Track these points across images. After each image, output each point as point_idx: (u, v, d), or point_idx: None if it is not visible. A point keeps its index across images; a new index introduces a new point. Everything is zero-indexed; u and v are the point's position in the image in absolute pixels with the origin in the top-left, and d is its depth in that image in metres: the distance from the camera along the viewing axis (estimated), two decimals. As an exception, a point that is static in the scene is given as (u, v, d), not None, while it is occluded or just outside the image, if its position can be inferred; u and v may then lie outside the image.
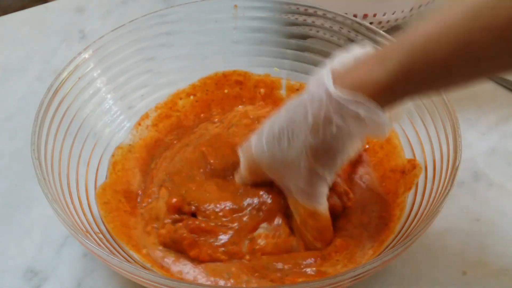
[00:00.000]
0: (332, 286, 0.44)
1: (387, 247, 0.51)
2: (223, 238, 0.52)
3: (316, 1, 0.63)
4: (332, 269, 0.51)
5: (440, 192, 0.50)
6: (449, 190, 0.48)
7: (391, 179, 0.57)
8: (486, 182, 0.61)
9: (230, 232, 0.52)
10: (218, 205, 0.54)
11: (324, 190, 0.49)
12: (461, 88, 0.42)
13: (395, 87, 0.42)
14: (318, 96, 0.44)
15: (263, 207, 0.53)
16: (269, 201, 0.53)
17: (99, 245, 0.49)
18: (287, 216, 0.53)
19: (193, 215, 0.54)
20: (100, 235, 0.51)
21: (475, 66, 0.39)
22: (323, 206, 0.50)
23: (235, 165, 0.56)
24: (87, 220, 0.52)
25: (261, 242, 0.52)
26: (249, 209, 0.53)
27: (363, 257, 0.52)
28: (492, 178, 0.61)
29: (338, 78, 0.44)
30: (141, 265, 0.51)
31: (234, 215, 0.53)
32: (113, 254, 0.49)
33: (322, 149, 0.46)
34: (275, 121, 0.48)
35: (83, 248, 0.53)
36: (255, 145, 0.50)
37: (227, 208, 0.53)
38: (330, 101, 0.44)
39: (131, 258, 0.51)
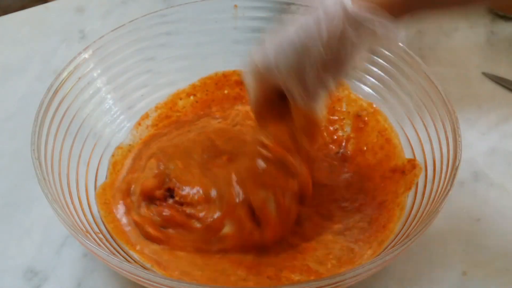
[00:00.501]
0: (332, 286, 0.44)
1: (387, 247, 0.51)
2: (192, 234, 0.53)
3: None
4: (323, 268, 0.51)
5: (440, 192, 0.50)
6: (449, 190, 0.48)
7: (391, 179, 0.57)
8: (486, 182, 0.61)
9: (199, 225, 0.53)
10: (194, 190, 0.54)
11: (323, 95, 0.51)
12: (473, 6, 0.45)
13: (410, 1, 0.45)
14: (334, 12, 0.46)
15: (230, 199, 0.53)
16: (237, 196, 0.53)
17: (99, 245, 0.49)
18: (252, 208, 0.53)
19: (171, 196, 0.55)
20: (100, 235, 0.51)
21: None
22: (318, 109, 0.52)
23: (238, 156, 0.57)
24: (87, 220, 0.52)
25: (229, 242, 0.52)
26: (218, 201, 0.53)
27: (361, 257, 0.52)
28: (492, 178, 0.61)
29: None
30: (141, 265, 0.51)
31: (206, 205, 0.53)
32: (113, 254, 0.49)
33: (333, 61, 0.47)
34: (284, 35, 0.49)
35: (83, 248, 0.53)
36: (262, 57, 0.50)
37: (201, 195, 0.54)
38: (346, 18, 0.45)
39: (131, 258, 0.51)
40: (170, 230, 0.53)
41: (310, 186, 0.55)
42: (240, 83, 0.66)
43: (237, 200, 0.53)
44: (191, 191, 0.54)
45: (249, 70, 0.52)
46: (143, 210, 0.54)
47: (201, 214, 0.53)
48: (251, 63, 0.51)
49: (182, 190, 0.54)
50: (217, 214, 0.53)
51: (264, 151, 0.54)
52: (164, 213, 0.53)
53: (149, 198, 0.55)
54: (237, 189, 0.53)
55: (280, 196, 0.52)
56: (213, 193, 0.54)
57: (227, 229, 0.52)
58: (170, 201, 0.54)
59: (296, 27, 0.49)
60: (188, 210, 0.53)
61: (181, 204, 0.54)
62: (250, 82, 0.52)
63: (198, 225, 0.53)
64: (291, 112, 0.53)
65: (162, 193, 0.55)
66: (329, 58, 0.47)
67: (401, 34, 0.46)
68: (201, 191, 0.54)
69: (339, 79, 0.50)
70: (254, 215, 0.53)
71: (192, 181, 0.55)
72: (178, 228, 0.53)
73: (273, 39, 0.49)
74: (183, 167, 0.56)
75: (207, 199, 0.54)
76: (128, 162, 0.60)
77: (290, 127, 0.53)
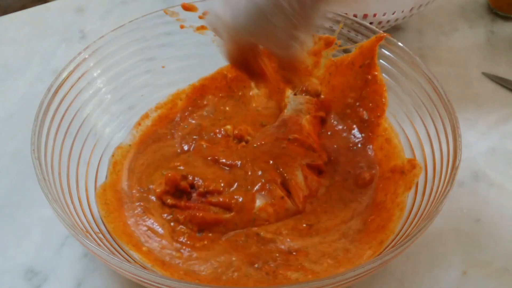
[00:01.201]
0: (332, 286, 0.44)
1: (387, 247, 0.51)
2: (229, 225, 0.54)
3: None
4: (319, 268, 0.51)
5: (440, 192, 0.50)
6: (449, 190, 0.48)
7: (390, 180, 0.57)
8: (486, 182, 0.61)
9: (230, 214, 0.54)
10: (210, 180, 0.56)
11: (298, 47, 0.50)
12: None
13: None
14: None
15: (256, 180, 0.55)
16: (260, 172, 0.56)
17: (99, 245, 0.49)
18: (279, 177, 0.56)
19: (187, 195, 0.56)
20: (100, 235, 0.51)
21: None
22: (298, 55, 0.51)
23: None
24: (87, 220, 0.52)
25: (265, 214, 0.54)
26: (243, 181, 0.56)
27: (360, 257, 0.52)
28: (492, 178, 0.61)
29: None
30: (141, 265, 0.51)
31: (229, 188, 0.55)
32: (113, 254, 0.49)
33: (300, 17, 0.47)
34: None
35: (83, 248, 0.53)
36: (231, 18, 0.49)
37: (221, 182, 0.56)
38: None
39: (131, 258, 0.51)
40: (210, 234, 0.54)
41: (325, 158, 0.59)
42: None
43: (262, 176, 0.55)
44: (210, 181, 0.56)
45: (220, 26, 0.51)
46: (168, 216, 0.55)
47: (230, 198, 0.54)
48: (220, 19, 0.50)
49: (202, 181, 0.56)
50: (247, 190, 0.55)
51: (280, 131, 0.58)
52: (195, 213, 0.54)
53: (172, 197, 0.56)
54: (261, 166, 0.56)
55: (305, 168, 0.56)
56: (235, 176, 0.56)
57: (259, 202, 0.54)
58: (194, 195, 0.55)
59: None
60: (215, 199, 0.54)
61: (205, 195, 0.55)
62: (221, 34, 0.52)
63: (228, 215, 0.54)
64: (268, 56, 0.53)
65: (184, 189, 0.56)
66: (295, 14, 0.47)
67: None
68: (221, 180, 0.56)
69: (310, 31, 0.49)
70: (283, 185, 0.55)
71: (207, 172, 0.56)
72: (213, 228, 0.54)
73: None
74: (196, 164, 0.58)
75: (229, 184, 0.55)
76: (126, 167, 0.60)
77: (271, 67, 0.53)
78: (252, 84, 0.66)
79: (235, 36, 0.50)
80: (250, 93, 0.66)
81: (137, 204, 0.56)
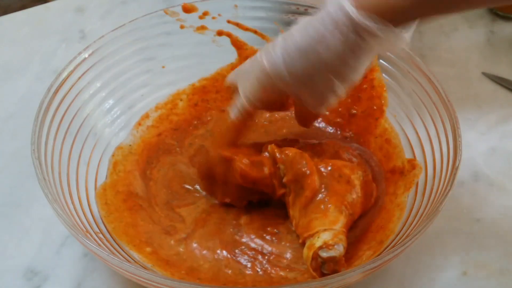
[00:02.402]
0: (331, 286, 0.44)
1: (387, 247, 0.51)
2: None
3: (316, 1, 0.63)
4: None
5: (440, 192, 0.50)
6: (449, 190, 0.48)
7: (389, 181, 0.57)
8: (486, 182, 0.61)
9: None
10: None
11: (332, 100, 0.51)
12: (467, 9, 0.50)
13: (410, 10, 0.46)
14: (338, 19, 0.46)
15: None
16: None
17: (99, 245, 0.49)
18: None
19: None
20: (100, 235, 0.51)
21: None
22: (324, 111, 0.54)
23: None
24: (87, 220, 0.52)
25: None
26: None
27: (359, 257, 0.52)
28: (492, 178, 0.61)
29: (356, 0, 0.46)
30: (141, 265, 0.51)
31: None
32: (113, 254, 0.49)
33: (342, 67, 0.48)
34: (290, 40, 0.49)
35: (83, 248, 0.53)
36: (272, 63, 0.50)
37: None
38: (351, 24, 0.46)
39: (131, 258, 0.51)
40: None
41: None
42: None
43: None
44: None
45: (258, 74, 0.51)
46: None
47: None
48: (260, 68, 0.51)
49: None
50: None
51: None
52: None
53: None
54: None
55: None
56: None
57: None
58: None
59: (302, 33, 0.48)
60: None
61: None
62: (250, 84, 0.52)
63: None
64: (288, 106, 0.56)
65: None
66: (337, 64, 0.48)
67: (406, 39, 0.47)
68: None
69: (348, 85, 0.50)
70: None
71: None
72: None
73: (280, 44, 0.49)
74: None
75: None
76: (137, 178, 0.59)
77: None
78: None
79: (271, 81, 0.50)
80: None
81: (165, 205, 0.57)
